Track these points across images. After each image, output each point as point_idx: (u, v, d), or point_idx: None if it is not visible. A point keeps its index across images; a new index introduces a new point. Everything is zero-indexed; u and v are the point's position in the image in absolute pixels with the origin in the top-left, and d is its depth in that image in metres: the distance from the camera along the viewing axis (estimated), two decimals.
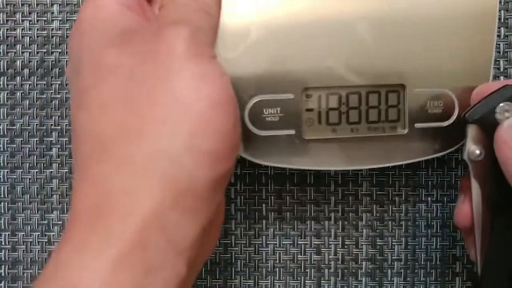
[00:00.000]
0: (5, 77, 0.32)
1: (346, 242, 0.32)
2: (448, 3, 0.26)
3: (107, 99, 0.20)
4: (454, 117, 0.27)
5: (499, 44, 0.31)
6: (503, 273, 0.25)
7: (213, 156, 0.20)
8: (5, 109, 0.32)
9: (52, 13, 0.32)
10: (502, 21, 0.31)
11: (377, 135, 0.27)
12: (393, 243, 0.32)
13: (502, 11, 0.31)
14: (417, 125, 0.27)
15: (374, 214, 0.32)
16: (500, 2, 0.31)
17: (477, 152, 0.25)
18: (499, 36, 0.31)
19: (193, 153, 0.19)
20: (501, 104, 0.24)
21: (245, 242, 0.32)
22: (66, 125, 0.32)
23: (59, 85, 0.32)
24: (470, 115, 0.25)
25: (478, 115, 0.24)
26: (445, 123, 0.27)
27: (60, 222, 0.32)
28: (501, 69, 0.31)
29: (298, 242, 0.32)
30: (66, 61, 0.32)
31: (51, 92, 0.32)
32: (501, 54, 0.31)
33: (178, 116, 0.19)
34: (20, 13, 0.32)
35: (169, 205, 0.19)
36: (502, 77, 0.31)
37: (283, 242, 0.32)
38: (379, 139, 0.27)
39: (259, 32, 0.25)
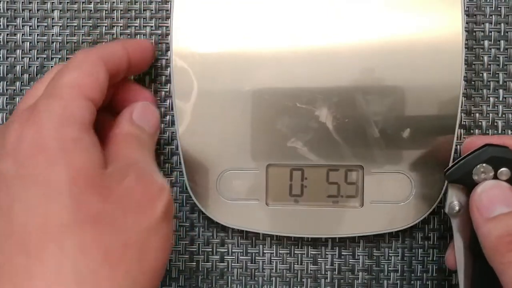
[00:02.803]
0: (5, 82, 0.32)
1: (342, 252, 0.32)
2: (407, 94, 0.28)
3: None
4: (410, 198, 0.29)
5: (498, 57, 0.31)
6: None
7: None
8: (4, 114, 0.32)
9: (53, 18, 0.32)
10: (502, 34, 0.31)
11: (336, 208, 0.29)
12: (390, 254, 0.32)
13: (502, 24, 0.31)
14: (373, 202, 0.29)
15: None
16: (499, 15, 0.31)
17: (457, 208, 0.26)
18: (498, 49, 0.31)
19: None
20: (477, 166, 0.25)
21: (241, 250, 0.32)
22: None
23: None
24: (449, 175, 0.26)
25: (456, 176, 0.26)
26: (401, 203, 0.29)
27: None
28: (500, 82, 0.31)
29: (295, 252, 0.32)
30: None
31: None
32: (501, 67, 0.31)
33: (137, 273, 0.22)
34: (21, 18, 0.32)
35: None
36: (501, 90, 0.31)
37: (280, 251, 0.32)
38: (337, 212, 0.29)
39: (231, 116, 0.29)
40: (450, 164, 0.28)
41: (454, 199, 0.27)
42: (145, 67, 0.29)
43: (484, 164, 0.25)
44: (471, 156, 0.26)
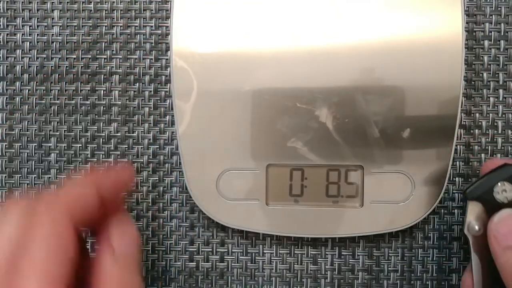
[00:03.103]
0: (5, 82, 0.32)
1: (342, 252, 0.32)
2: (407, 94, 0.28)
3: None
4: (410, 198, 0.29)
5: (498, 57, 0.31)
6: None
7: None
8: (4, 114, 0.32)
9: (53, 18, 0.32)
10: (502, 34, 0.31)
11: (336, 208, 0.29)
12: (390, 254, 0.32)
13: (502, 24, 0.31)
14: (373, 202, 0.29)
15: None
16: (499, 15, 0.31)
17: (476, 228, 0.26)
18: (498, 49, 0.31)
19: None
20: (499, 184, 0.25)
21: (241, 250, 0.32)
22: (64, 130, 0.32)
23: (58, 90, 0.32)
24: (470, 193, 0.26)
25: (477, 194, 0.26)
26: (401, 203, 0.29)
27: None
28: (500, 82, 0.31)
29: (295, 252, 0.32)
30: (66, 67, 0.32)
31: (50, 98, 0.32)
32: (501, 67, 0.31)
33: None
34: (21, 18, 0.32)
35: None
36: (501, 90, 0.31)
37: (280, 251, 0.32)
38: (337, 212, 0.29)
39: (231, 116, 0.29)
40: (450, 164, 0.28)
41: (473, 219, 0.26)
42: (120, 196, 0.24)
43: (505, 182, 0.25)
44: (492, 174, 0.26)
